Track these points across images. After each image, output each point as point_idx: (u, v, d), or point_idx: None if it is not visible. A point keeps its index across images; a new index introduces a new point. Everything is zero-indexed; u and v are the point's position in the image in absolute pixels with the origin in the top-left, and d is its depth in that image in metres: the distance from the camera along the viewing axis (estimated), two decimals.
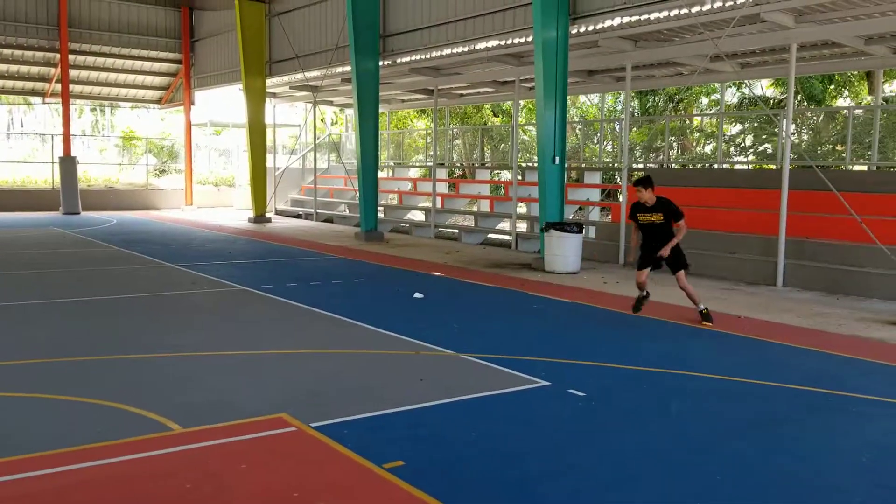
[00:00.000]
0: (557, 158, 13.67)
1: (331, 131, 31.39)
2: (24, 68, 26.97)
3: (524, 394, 6.02)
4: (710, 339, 8.30)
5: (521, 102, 24.15)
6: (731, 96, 23.71)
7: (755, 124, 20.08)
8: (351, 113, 29.26)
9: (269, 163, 25.10)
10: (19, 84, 27.89)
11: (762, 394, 6.22)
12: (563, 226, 12.91)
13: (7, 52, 25.86)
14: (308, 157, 27.97)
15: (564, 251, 12.80)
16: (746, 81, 21.95)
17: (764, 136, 19.50)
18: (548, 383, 6.26)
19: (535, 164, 20.71)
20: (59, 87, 27.17)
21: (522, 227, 17.67)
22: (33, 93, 28.85)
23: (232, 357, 7.08)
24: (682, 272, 8.91)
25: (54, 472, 4.35)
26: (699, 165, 20.73)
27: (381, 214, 20.59)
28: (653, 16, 12.67)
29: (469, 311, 9.90)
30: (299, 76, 22.48)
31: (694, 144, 23.15)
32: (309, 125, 27.42)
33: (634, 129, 23.41)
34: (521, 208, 18.45)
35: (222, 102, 42.27)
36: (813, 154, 15.56)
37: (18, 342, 7.58)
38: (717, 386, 6.40)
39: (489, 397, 5.91)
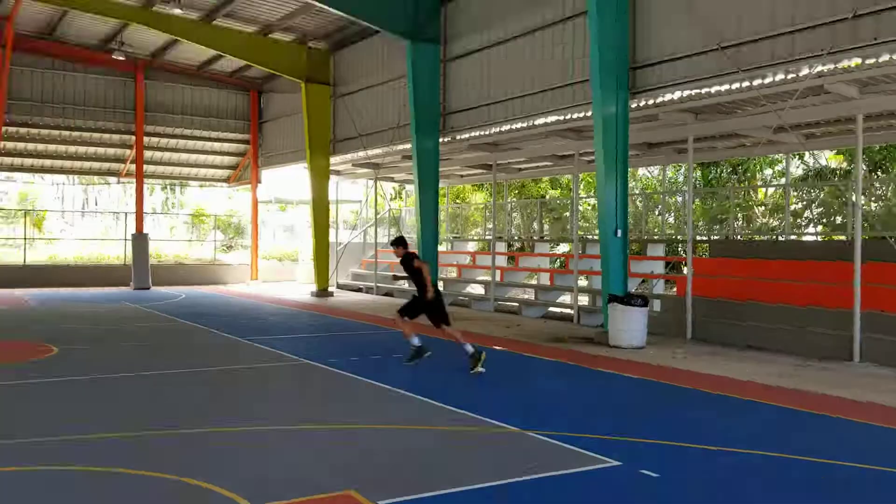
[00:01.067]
0: (619, 231, 13.59)
1: (391, 206, 31.96)
2: (101, 150, 28.36)
3: (595, 473, 5.85)
4: (787, 418, 7.97)
5: (581, 175, 24.25)
6: (796, 167, 23.38)
7: (822, 195, 19.70)
8: (411, 188, 29.79)
9: (332, 238, 25.59)
10: (97, 165, 29.28)
11: (847, 478, 5.91)
12: (627, 299, 12.73)
13: (87, 135, 27.26)
14: (369, 232, 28.45)
15: (629, 325, 12.58)
16: (811, 152, 21.65)
17: (833, 209, 19.08)
18: (619, 463, 6.07)
19: (596, 237, 20.64)
20: (133, 167, 28.44)
21: (584, 300, 17.48)
22: (109, 173, 30.22)
23: (299, 431, 7.09)
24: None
25: None
26: (765, 237, 20.34)
27: (440, 287, 20.63)
28: (713, 89, 12.69)
29: (532, 387, 9.75)
30: (362, 154, 23.07)
31: (760, 216, 22.78)
32: (370, 201, 28.00)
33: (697, 200, 23.22)
34: (583, 281, 18.29)
35: (287, 180, 43.59)
36: (886, 224, 15.12)
37: (92, 415, 7.74)
38: (796, 468, 6.11)
39: (559, 477, 5.76)
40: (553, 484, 5.59)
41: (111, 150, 28.49)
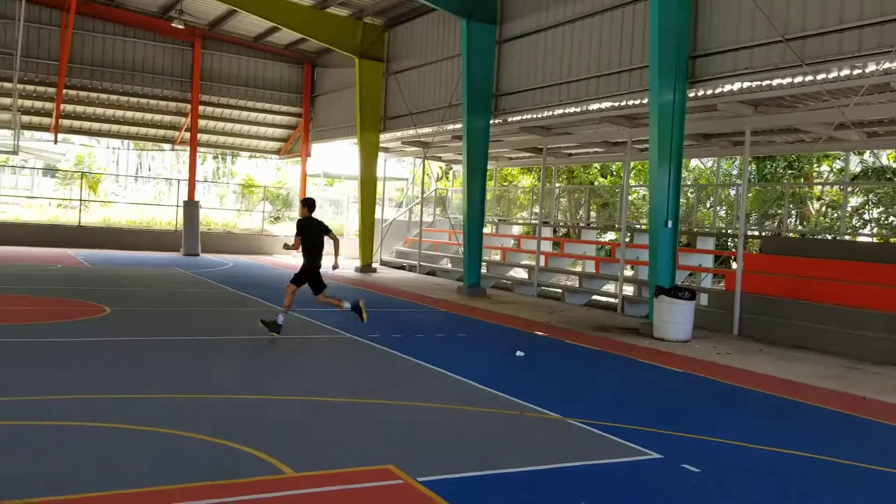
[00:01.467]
0: (670, 222, 13.40)
1: (436, 186, 31.97)
2: (157, 117, 28.85)
3: (636, 465, 5.82)
4: (834, 420, 7.82)
5: (632, 163, 23.94)
6: (855, 165, 22.74)
7: (880, 196, 19.15)
8: (458, 168, 29.76)
9: (377, 214, 25.72)
10: (152, 131, 29.80)
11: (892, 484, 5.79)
12: (674, 291, 12.57)
13: (144, 101, 27.75)
14: (414, 211, 28.53)
15: (675, 318, 12.43)
16: (872, 150, 21.03)
17: (891, 209, 18.54)
18: (660, 456, 6.03)
19: (644, 226, 20.39)
20: (187, 135, 28.90)
21: (629, 290, 17.31)
22: (164, 140, 30.75)
23: (340, 404, 7.18)
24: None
25: None
26: (819, 235, 19.86)
27: (483, 270, 20.65)
28: (775, 82, 12.39)
29: (574, 374, 9.72)
30: (411, 132, 23.08)
31: (814, 213, 22.25)
32: (416, 179, 28.03)
33: (750, 194, 22.76)
34: (628, 271, 18.10)
35: (334, 155, 43.88)
36: None
37: (141, 377, 7.94)
38: (842, 472, 6.00)
39: (598, 466, 5.75)
40: (593, 472, 5.58)
41: (167, 118, 28.96)
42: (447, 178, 33.78)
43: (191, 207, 27.36)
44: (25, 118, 26.36)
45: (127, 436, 5.82)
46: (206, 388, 7.56)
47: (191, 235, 26.80)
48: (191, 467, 5.15)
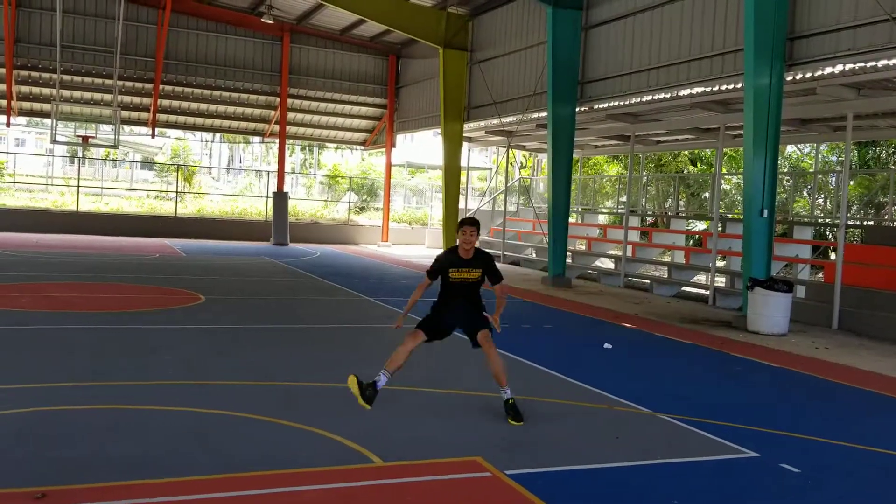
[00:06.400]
0: (766, 211, 12.89)
1: (520, 175, 31.76)
2: (247, 110, 29.66)
3: (730, 463, 5.62)
4: None
5: (724, 150, 23.18)
6: None
7: None
8: (542, 157, 29.48)
9: (461, 204, 25.75)
10: (243, 124, 30.67)
11: None
12: (770, 283, 12.10)
13: (235, 95, 28.58)
14: (498, 200, 28.42)
15: (770, 311, 11.96)
16: None
17: None
18: (756, 454, 5.80)
19: (736, 215, 19.73)
20: (276, 127, 29.60)
21: (721, 281, 16.77)
22: (254, 132, 31.60)
23: (428, 394, 7.21)
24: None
25: (259, 493, 4.58)
26: None
27: (568, 260, 20.40)
28: (880, 63, 11.74)
29: (664, 368, 9.48)
30: (495, 121, 22.98)
31: None
32: (500, 168, 27.92)
33: (852, 182, 21.71)
34: (720, 262, 17.53)
35: (417, 145, 44.22)
36: None
37: (234, 363, 8.18)
38: None
39: (691, 464, 5.58)
40: (686, 470, 5.41)
41: (257, 111, 29.73)
42: (531, 165, 33.51)
43: (280, 198, 28.04)
44: (125, 113, 27.52)
45: (219, 421, 5.99)
46: (296, 376, 7.72)
47: (280, 225, 27.49)
48: (280, 454, 5.26)
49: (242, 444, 5.47)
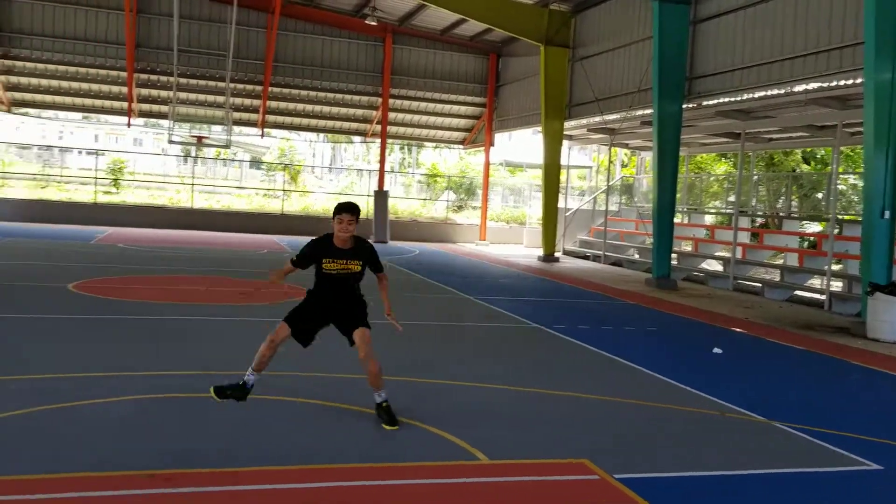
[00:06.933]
0: (887, 213, 12.17)
1: (622, 174, 31.17)
2: (351, 111, 30.31)
3: (854, 475, 5.34)
4: None
5: (841, 148, 22.06)
6: None
7: None
8: (645, 155, 28.82)
9: (560, 203, 25.50)
10: (346, 124, 31.36)
11: None
12: (892, 288, 11.42)
13: (339, 96, 29.25)
14: (599, 199, 27.99)
15: (892, 317, 11.29)
16: None
17: None
18: (879, 467, 5.49)
19: (853, 217, 18.72)
20: (378, 127, 30.12)
21: (837, 286, 15.95)
22: (357, 132, 32.26)
23: (531, 394, 7.16)
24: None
25: (366, 484, 4.66)
26: None
27: (673, 261, 19.86)
28: None
29: (778, 374, 9.09)
30: (597, 119, 22.63)
31: None
32: (601, 167, 27.48)
33: None
34: (837, 265, 16.69)
35: (515, 143, 44.06)
36: None
37: (337, 356, 8.35)
38: None
39: (809, 475, 5.33)
40: (803, 481, 5.18)
41: (359, 111, 30.32)
42: (633, 164, 32.83)
43: (381, 197, 28.52)
44: (236, 114, 28.61)
45: (324, 412, 6.15)
46: (395, 370, 7.81)
47: (380, 223, 27.96)
48: (387, 448, 5.34)
49: (343, 435, 5.58)
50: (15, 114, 35.02)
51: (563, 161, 25.31)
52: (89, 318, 9.82)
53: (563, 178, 25.57)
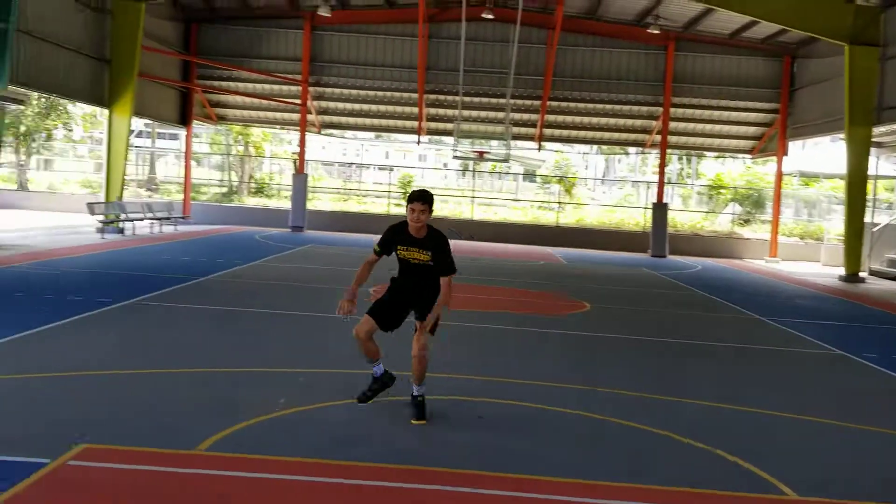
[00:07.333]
0: None
1: None
2: (629, 122, 29.81)
3: None
4: None
5: None
6: None
7: None
8: None
9: (867, 217, 22.88)
10: (623, 136, 30.87)
11: None
12: None
13: (617, 107, 28.92)
14: None
15: None
16: None
17: None
18: None
19: None
20: (657, 138, 29.29)
21: None
22: (634, 143, 31.65)
23: (837, 427, 6.45)
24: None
25: None
26: None
27: None
28: None
29: None
30: None
31: None
32: None
33: None
34: None
35: (810, 152, 40.38)
36: None
37: (618, 371, 8.20)
38: None
39: None
40: None
41: (637, 122, 29.73)
42: None
43: (660, 209, 27.71)
44: (514, 129, 29.50)
45: (602, 427, 6.06)
46: (679, 391, 7.46)
47: (658, 237, 27.14)
48: (671, 469, 5.14)
49: (625, 454, 5.47)
50: (323, 135, 39.33)
51: (871, 171, 22.72)
52: None
53: (869, 189, 22.95)
